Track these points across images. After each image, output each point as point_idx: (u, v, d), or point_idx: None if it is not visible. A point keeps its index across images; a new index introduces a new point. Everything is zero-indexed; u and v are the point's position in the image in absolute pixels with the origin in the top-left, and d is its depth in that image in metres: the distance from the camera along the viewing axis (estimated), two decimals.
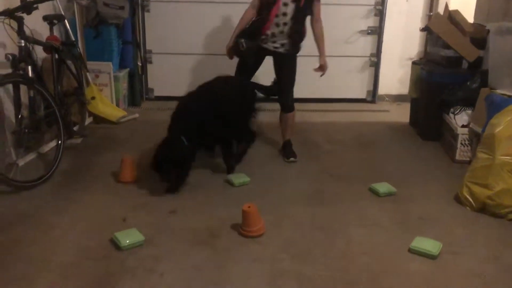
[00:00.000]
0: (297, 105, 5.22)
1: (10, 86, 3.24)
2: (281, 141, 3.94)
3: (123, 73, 5.02)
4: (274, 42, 3.61)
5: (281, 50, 3.63)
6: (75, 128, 4.14)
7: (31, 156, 3.57)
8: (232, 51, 3.66)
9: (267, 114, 4.92)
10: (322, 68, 3.75)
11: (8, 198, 3.02)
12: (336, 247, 2.58)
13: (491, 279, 2.33)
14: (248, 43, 3.55)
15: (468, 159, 3.70)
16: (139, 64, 5.32)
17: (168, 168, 3.07)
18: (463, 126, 3.81)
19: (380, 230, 2.77)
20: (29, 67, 3.27)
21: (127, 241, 2.50)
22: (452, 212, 3.01)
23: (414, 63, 4.80)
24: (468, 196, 3.02)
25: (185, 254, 2.46)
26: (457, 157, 3.81)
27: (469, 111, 3.87)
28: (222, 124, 3.29)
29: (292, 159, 3.75)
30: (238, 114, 3.47)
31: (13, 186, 3.05)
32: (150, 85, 5.55)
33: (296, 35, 3.59)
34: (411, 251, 2.53)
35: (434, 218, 2.92)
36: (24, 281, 2.21)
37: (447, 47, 4.26)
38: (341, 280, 2.28)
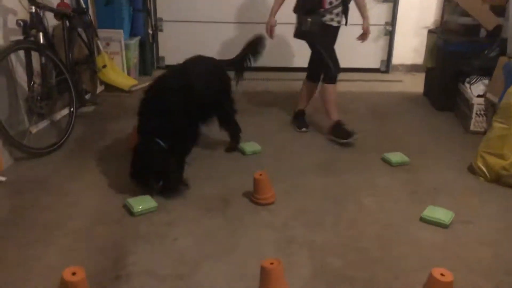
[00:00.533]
0: None
1: (21, 53, 3.24)
2: (326, 119, 3.65)
3: (134, 41, 4.98)
4: (330, 13, 3.37)
5: (334, 23, 3.43)
6: (87, 97, 4.14)
7: (43, 124, 3.58)
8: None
9: (278, 83, 4.89)
10: (365, 34, 3.61)
11: (22, 164, 3.05)
12: (347, 216, 2.58)
13: (502, 249, 2.32)
14: (314, 19, 3.33)
15: (483, 129, 3.65)
16: (150, 32, 5.27)
17: (148, 178, 2.66)
18: (478, 96, 3.74)
19: (392, 199, 2.76)
20: (40, 34, 3.25)
21: (140, 207, 2.52)
22: (465, 182, 2.98)
23: (430, 31, 4.68)
24: (482, 167, 2.99)
25: (197, 221, 2.49)
26: (472, 127, 3.75)
27: (486, 81, 3.79)
28: (200, 117, 2.98)
29: (351, 139, 3.46)
30: (219, 103, 3.13)
31: (27, 152, 3.09)
32: (161, 54, 5.51)
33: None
34: (422, 220, 2.52)
35: (447, 188, 2.90)
36: (39, 244, 2.26)
37: (465, 14, 4.14)
38: (351, 248, 2.29)
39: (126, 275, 2.05)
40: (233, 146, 3.34)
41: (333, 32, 3.51)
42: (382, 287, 2.03)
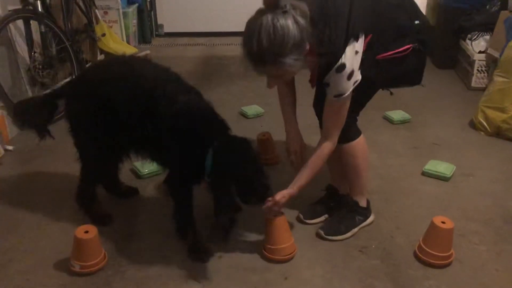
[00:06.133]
0: None
1: (21, 24, 3.23)
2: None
3: (132, 9, 4.93)
4: None
5: None
6: (87, 66, 4.14)
7: None
8: None
9: None
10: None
11: (28, 133, 3.07)
12: None
13: (502, 198, 2.37)
14: None
15: (484, 86, 3.65)
16: None
17: None
18: (480, 52, 3.73)
19: (394, 155, 2.81)
20: (38, 2, 3.22)
21: (146, 170, 2.58)
22: (466, 137, 3.02)
23: None
24: (482, 121, 3.02)
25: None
26: (473, 84, 3.76)
27: (487, 37, 3.77)
28: None
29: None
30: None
31: None
32: (159, 21, 5.46)
33: None
34: (424, 174, 2.57)
35: (448, 143, 2.94)
36: (49, 208, 2.32)
37: None
38: None
39: (137, 233, 2.12)
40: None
41: None
42: (385, 236, 2.09)
